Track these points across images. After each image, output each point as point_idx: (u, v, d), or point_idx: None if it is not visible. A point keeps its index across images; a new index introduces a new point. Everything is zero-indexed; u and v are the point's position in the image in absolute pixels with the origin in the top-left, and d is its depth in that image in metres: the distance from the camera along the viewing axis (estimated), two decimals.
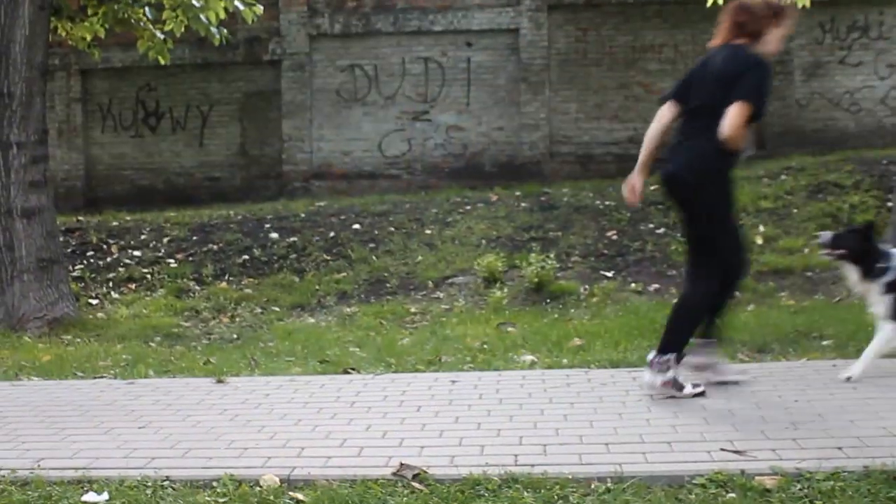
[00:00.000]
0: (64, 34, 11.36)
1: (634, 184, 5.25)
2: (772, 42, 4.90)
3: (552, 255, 9.48)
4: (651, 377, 4.82)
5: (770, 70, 4.81)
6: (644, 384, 4.87)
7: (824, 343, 6.22)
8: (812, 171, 11.56)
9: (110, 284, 9.88)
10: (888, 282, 4.98)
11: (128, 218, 12.28)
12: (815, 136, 14.83)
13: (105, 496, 3.66)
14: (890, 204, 9.60)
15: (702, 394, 4.78)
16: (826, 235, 5.26)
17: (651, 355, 4.86)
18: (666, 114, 5.19)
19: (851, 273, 5.16)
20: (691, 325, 4.89)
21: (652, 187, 11.99)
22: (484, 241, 10.31)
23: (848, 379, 4.99)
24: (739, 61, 4.78)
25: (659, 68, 14.99)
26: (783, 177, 11.57)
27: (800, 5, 9.81)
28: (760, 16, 4.86)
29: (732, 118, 4.64)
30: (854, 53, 14.94)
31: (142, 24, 10.69)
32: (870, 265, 5.04)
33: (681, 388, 4.78)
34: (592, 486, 3.55)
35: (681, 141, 5.05)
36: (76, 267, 10.32)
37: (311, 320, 8.42)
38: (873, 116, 14.95)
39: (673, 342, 4.83)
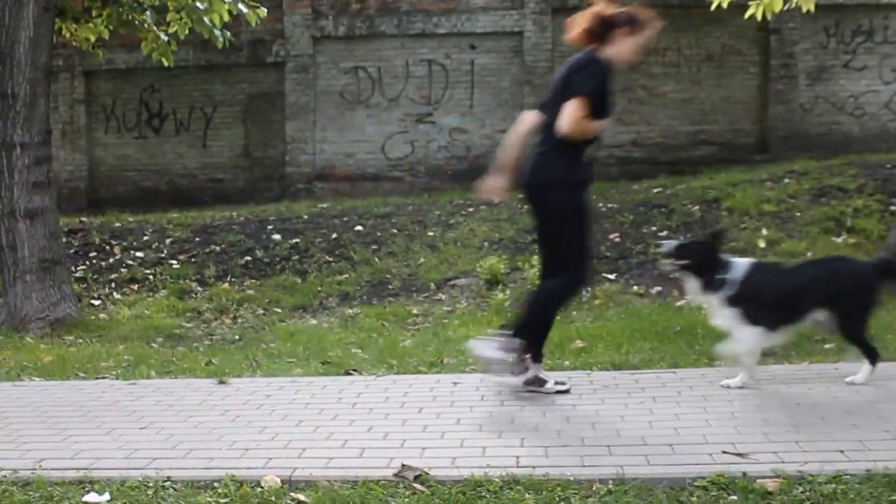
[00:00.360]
0: (68, 35, 11.38)
1: (490, 183, 5.25)
2: (624, 50, 4.96)
3: None
4: (492, 350, 4.92)
5: (605, 67, 4.87)
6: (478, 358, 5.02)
7: (827, 346, 6.20)
8: (815, 175, 11.54)
9: (112, 285, 9.88)
10: (730, 296, 4.98)
11: (130, 219, 12.30)
12: (819, 139, 14.83)
13: (106, 497, 3.66)
14: (893, 208, 9.59)
15: (566, 391, 4.99)
16: (669, 245, 5.19)
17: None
18: (525, 120, 5.26)
19: (692, 283, 5.13)
20: (544, 321, 5.03)
21: (655, 189, 12.04)
22: (486, 244, 10.30)
23: (730, 386, 5.04)
24: (574, 64, 4.93)
25: (662, 71, 15.00)
26: (786, 180, 11.56)
27: (804, 9, 9.80)
28: (613, 23, 4.93)
29: (566, 114, 4.76)
30: (858, 58, 14.95)
31: (146, 26, 10.71)
32: (711, 277, 5.01)
33: (542, 383, 5.01)
34: (594, 488, 3.55)
35: (534, 149, 5.11)
36: (79, 268, 10.33)
37: (313, 321, 8.42)
38: (877, 121, 14.95)
39: (522, 329, 4.95)
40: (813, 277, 5.10)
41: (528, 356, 5.03)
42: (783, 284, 5.07)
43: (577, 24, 5.01)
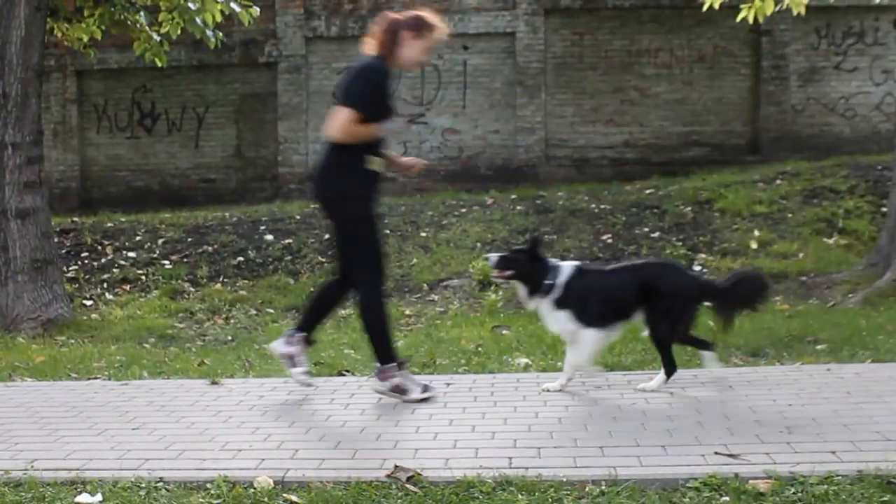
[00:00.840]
0: (60, 35, 11.35)
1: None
2: (411, 53, 5.06)
3: None
4: (379, 385, 5.08)
5: (379, 72, 4.99)
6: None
7: (819, 347, 6.23)
8: (807, 176, 11.59)
9: (105, 285, 9.86)
10: (556, 298, 5.06)
11: (123, 219, 12.27)
12: (811, 141, 14.87)
13: (99, 497, 3.65)
14: (884, 209, 9.62)
15: (427, 399, 5.01)
16: (493, 258, 5.26)
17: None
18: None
19: (522, 291, 5.21)
20: (382, 326, 5.09)
21: (647, 190, 12.07)
22: (479, 244, 10.31)
23: (559, 391, 5.10)
24: (352, 70, 5.08)
25: (655, 72, 15.03)
26: (778, 181, 11.60)
27: (795, 11, 9.84)
28: (398, 28, 5.04)
29: (334, 120, 4.96)
30: (849, 59, 15.01)
31: (138, 26, 10.69)
32: (538, 283, 5.08)
33: (404, 392, 5.02)
34: (587, 489, 3.55)
35: (320, 157, 5.24)
36: (71, 268, 10.30)
37: None
38: (868, 122, 15.00)
39: (382, 352, 5.07)
40: (633, 277, 5.19)
41: (403, 362, 5.23)
42: (605, 284, 5.17)
43: (370, 34, 5.17)
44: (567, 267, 5.15)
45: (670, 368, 5.12)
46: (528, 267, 5.12)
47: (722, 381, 5.22)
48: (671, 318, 5.08)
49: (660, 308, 5.06)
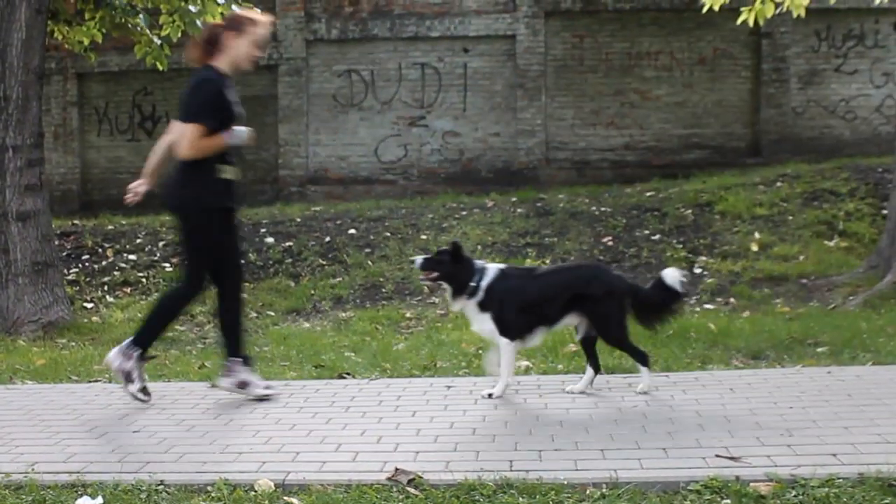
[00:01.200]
0: (61, 38, 11.35)
1: (136, 187, 5.59)
2: (238, 53, 5.15)
3: (548, 261, 9.49)
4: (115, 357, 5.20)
5: (214, 83, 5.09)
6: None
7: (819, 350, 6.22)
8: (807, 179, 11.58)
9: (105, 288, 9.86)
10: (480, 301, 5.08)
11: (123, 222, 12.27)
12: (811, 143, 14.88)
13: (99, 500, 3.65)
14: (885, 211, 9.62)
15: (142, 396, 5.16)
16: (418, 260, 5.31)
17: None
18: (173, 129, 5.37)
19: (448, 293, 5.24)
20: (165, 321, 5.34)
21: (648, 193, 12.07)
22: (480, 247, 10.31)
23: (490, 396, 5.10)
24: (189, 84, 5.16)
25: (655, 75, 15.04)
26: (779, 184, 11.60)
27: (795, 14, 9.85)
28: (218, 31, 5.16)
29: (182, 140, 5.05)
30: (850, 62, 15.01)
31: (139, 29, 10.69)
32: (463, 285, 5.10)
33: (132, 380, 5.14)
34: (587, 492, 3.55)
35: (173, 167, 5.34)
36: (71, 270, 10.30)
37: (307, 325, 8.41)
38: (869, 125, 15.00)
39: (144, 336, 5.25)
40: (560, 282, 5.18)
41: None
42: (531, 289, 5.14)
43: (192, 47, 5.29)
44: (492, 269, 5.17)
45: (643, 358, 5.15)
46: (452, 269, 5.14)
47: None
48: (615, 318, 5.09)
49: (601, 311, 5.07)
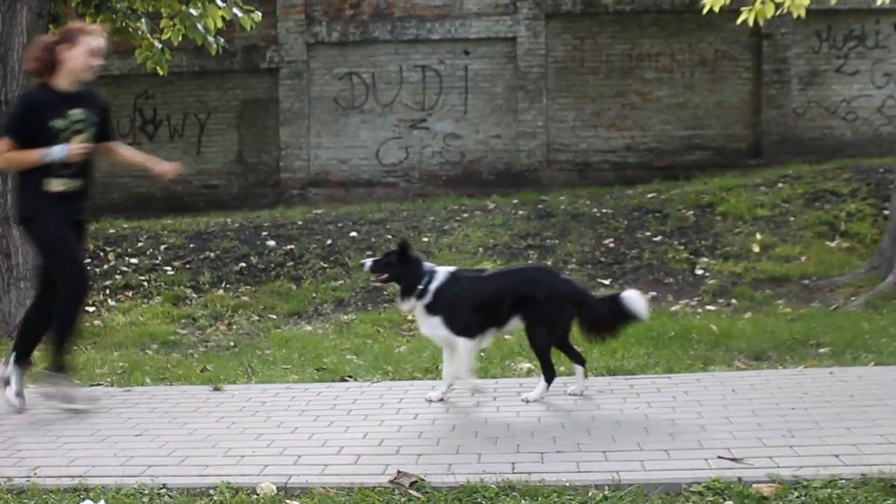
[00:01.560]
0: None
1: None
2: (75, 63, 5.21)
3: (549, 263, 9.48)
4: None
5: (26, 97, 5.37)
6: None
7: (821, 351, 6.22)
8: (809, 180, 11.58)
9: (107, 292, 9.86)
10: (428, 304, 5.05)
11: (125, 225, 12.28)
12: (812, 144, 14.88)
13: None
14: (886, 212, 9.61)
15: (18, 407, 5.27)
16: (367, 263, 5.30)
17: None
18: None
19: (397, 294, 5.25)
20: (35, 331, 5.44)
21: (649, 194, 12.07)
22: (481, 249, 10.31)
23: (441, 400, 5.10)
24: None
25: (656, 77, 15.04)
26: (780, 185, 11.59)
27: (796, 14, 9.85)
28: (52, 47, 5.21)
29: None
30: (850, 62, 15.00)
31: (139, 33, 10.70)
32: (412, 286, 5.08)
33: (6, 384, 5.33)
34: (590, 494, 3.55)
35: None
36: None
37: (308, 328, 8.42)
38: (870, 125, 15.00)
39: (22, 349, 5.43)
40: (507, 284, 5.15)
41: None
42: (478, 291, 5.10)
43: (28, 62, 5.43)
44: (441, 272, 5.13)
45: (549, 375, 5.09)
46: (400, 270, 5.12)
47: (580, 395, 5.16)
48: (548, 324, 5.04)
49: (537, 314, 5.02)
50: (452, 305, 5.03)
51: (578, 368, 5.22)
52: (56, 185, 5.22)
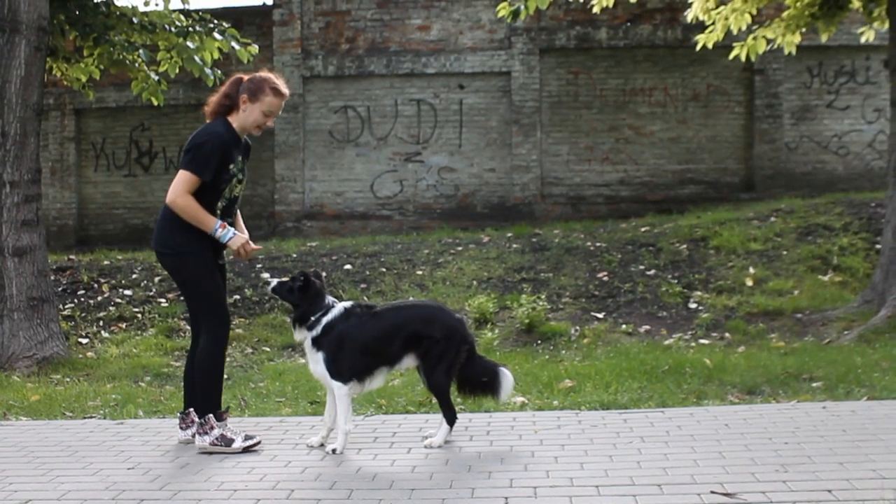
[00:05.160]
0: (59, 75, 11.43)
1: None
2: (247, 118, 5.04)
3: (543, 297, 9.50)
4: (199, 440, 4.99)
5: (207, 140, 4.93)
6: (196, 447, 5.02)
7: (814, 385, 6.23)
8: (801, 214, 11.65)
9: (100, 323, 9.85)
10: (315, 337, 4.90)
11: (119, 257, 12.28)
12: (805, 178, 14.98)
13: None
14: (878, 246, 9.66)
15: (255, 445, 4.97)
16: (272, 283, 5.18)
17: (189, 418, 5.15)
18: None
19: (290, 321, 5.12)
20: (213, 380, 5.07)
21: (643, 228, 12.10)
22: (475, 282, 10.33)
23: (334, 451, 4.82)
24: (193, 135, 5.05)
25: (649, 111, 15.16)
26: (773, 219, 11.65)
27: (787, 51, 9.98)
28: (236, 92, 5.04)
29: (173, 184, 4.94)
30: (842, 98, 15.16)
31: (136, 65, 10.78)
32: (305, 316, 4.93)
33: (230, 443, 4.95)
34: None
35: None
36: (67, 306, 10.29)
37: (302, 361, 8.39)
38: (861, 160, 15.12)
39: (205, 404, 5.04)
40: (401, 320, 4.95)
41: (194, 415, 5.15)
42: (367, 330, 4.88)
43: (214, 95, 5.17)
44: (337, 307, 4.94)
45: (451, 416, 4.94)
46: (299, 297, 4.96)
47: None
48: (447, 363, 4.87)
49: (434, 352, 4.86)
50: (337, 344, 4.83)
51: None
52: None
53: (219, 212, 5.05)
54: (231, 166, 5.01)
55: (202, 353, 5.09)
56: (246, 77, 5.09)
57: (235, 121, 5.05)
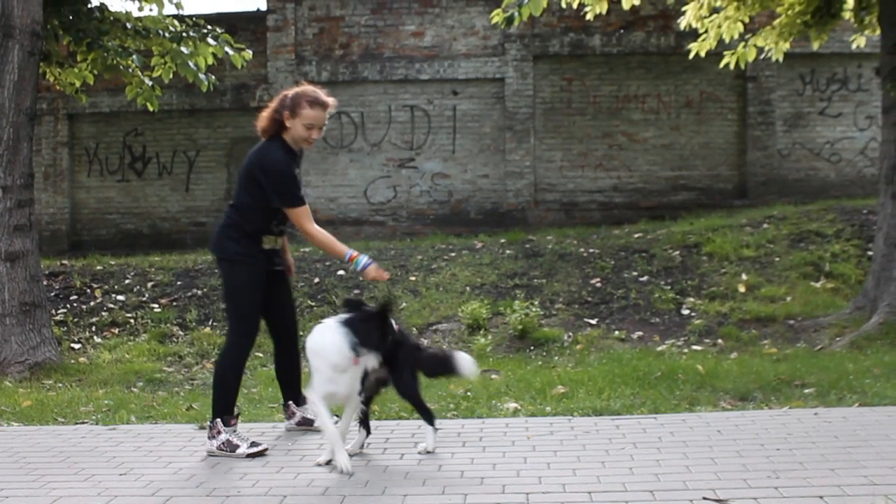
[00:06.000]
0: (52, 80, 11.43)
1: None
2: (294, 134, 5.13)
3: (536, 303, 9.51)
4: (207, 443, 5.08)
5: (278, 168, 5.04)
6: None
7: (806, 391, 6.25)
8: (794, 220, 11.68)
9: (93, 329, 9.83)
10: None
11: (112, 262, 12.26)
12: (797, 185, 15.03)
13: None
14: (870, 253, 9.70)
15: (260, 453, 4.96)
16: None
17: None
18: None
19: None
20: (226, 384, 5.14)
21: (636, 234, 12.13)
22: (468, 288, 10.33)
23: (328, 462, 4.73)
24: (255, 158, 5.15)
25: (642, 118, 15.20)
26: (765, 225, 11.68)
27: (775, 58, 10.03)
28: (280, 111, 5.13)
29: (302, 224, 5.13)
30: (834, 105, 15.22)
31: (130, 70, 10.78)
32: None
33: (234, 448, 4.98)
34: None
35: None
36: (59, 311, 10.27)
37: None
38: (853, 166, 15.17)
39: (216, 407, 5.11)
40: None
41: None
42: None
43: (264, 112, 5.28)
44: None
45: (430, 417, 4.94)
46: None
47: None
48: (409, 368, 4.89)
49: (398, 359, 4.85)
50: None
51: (363, 433, 4.97)
52: (268, 241, 5.20)
53: (274, 222, 5.18)
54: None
55: (222, 355, 5.26)
56: (288, 93, 5.17)
57: (288, 137, 5.15)
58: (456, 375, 5.07)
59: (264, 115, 5.20)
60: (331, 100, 5.17)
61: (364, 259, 5.01)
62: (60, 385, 7.69)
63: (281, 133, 5.15)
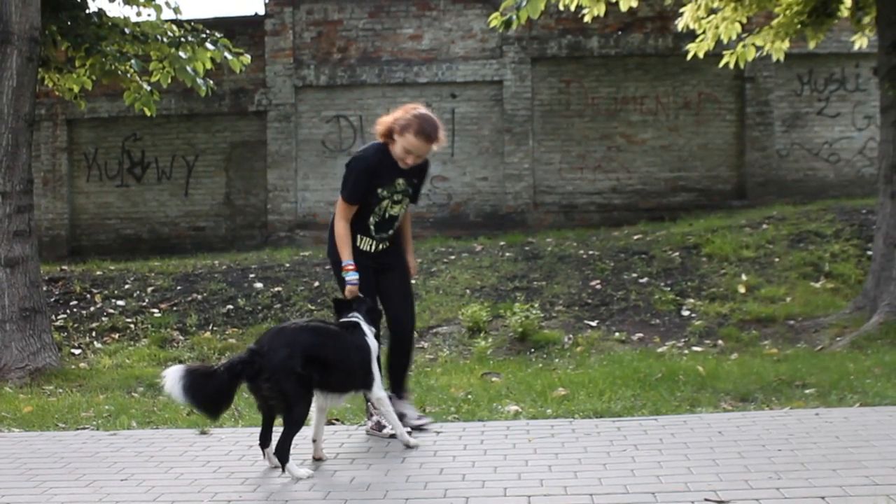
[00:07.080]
0: (51, 85, 11.43)
1: None
2: (398, 148, 5.30)
3: (536, 305, 9.51)
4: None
5: (354, 165, 5.32)
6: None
7: (807, 392, 6.24)
8: (793, 221, 11.69)
9: (93, 334, 9.83)
10: None
11: (112, 267, 12.26)
12: (796, 185, 15.04)
13: None
14: (870, 252, 9.70)
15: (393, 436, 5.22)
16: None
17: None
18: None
19: None
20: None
21: (635, 236, 12.12)
22: (468, 291, 10.33)
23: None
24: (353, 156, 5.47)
25: (641, 119, 15.21)
26: (764, 226, 11.69)
27: (775, 58, 10.03)
28: (393, 124, 5.32)
29: (336, 208, 5.41)
30: (832, 105, 15.23)
31: (129, 75, 10.78)
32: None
33: (381, 428, 5.36)
34: None
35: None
36: (59, 316, 10.27)
37: None
38: (852, 166, 15.18)
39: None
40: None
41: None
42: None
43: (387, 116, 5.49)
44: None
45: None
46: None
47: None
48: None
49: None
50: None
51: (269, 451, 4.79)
52: (365, 243, 5.43)
53: (372, 226, 5.39)
54: (379, 190, 5.30)
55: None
56: (414, 110, 5.35)
57: (392, 147, 5.31)
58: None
59: (386, 119, 5.40)
60: (440, 138, 5.34)
61: (354, 276, 5.21)
62: (61, 390, 7.68)
63: (390, 139, 5.33)
